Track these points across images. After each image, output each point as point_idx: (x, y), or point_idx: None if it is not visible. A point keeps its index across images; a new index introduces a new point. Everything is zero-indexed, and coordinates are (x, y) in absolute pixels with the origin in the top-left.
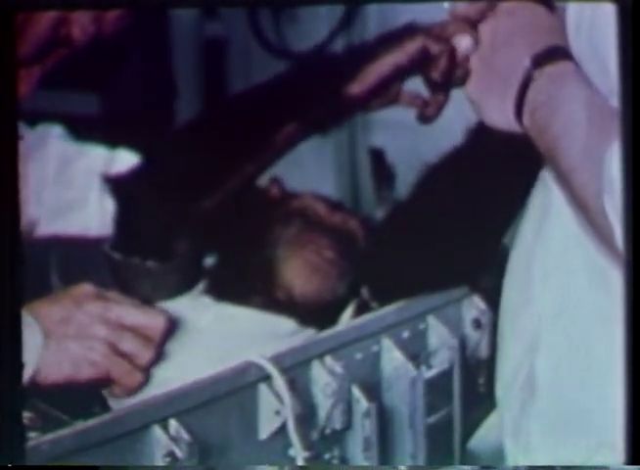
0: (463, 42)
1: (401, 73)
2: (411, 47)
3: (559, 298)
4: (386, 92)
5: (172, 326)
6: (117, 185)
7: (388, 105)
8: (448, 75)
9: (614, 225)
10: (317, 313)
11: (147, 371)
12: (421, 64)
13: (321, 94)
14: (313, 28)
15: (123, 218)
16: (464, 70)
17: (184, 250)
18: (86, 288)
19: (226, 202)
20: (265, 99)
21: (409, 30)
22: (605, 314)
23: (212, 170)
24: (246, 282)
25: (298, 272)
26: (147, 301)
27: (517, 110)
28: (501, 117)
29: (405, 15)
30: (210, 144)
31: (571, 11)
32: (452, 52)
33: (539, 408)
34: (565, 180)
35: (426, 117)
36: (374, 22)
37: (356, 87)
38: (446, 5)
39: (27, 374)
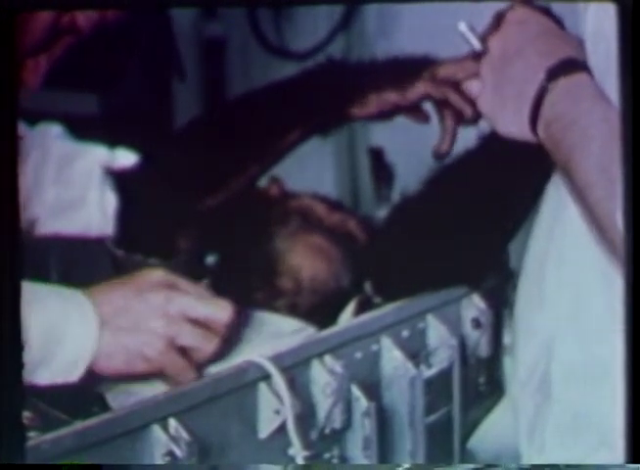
0: (473, 87)
1: (402, 111)
2: (412, 94)
3: (573, 301)
4: (388, 117)
5: (241, 318)
6: (121, 181)
7: (393, 118)
8: (457, 121)
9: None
10: (320, 307)
11: (204, 367)
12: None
13: (326, 107)
14: (313, 28)
15: (126, 215)
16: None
17: (186, 247)
18: (155, 274)
19: (228, 201)
20: (272, 104)
21: (413, 71)
22: (617, 317)
23: (216, 170)
24: (247, 280)
25: (305, 255)
26: None
27: (532, 122)
28: (516, 129)
29: (404, 15)
30: (215, 144)
31: (589, 25)
32: (461, 96)
33: (554, 409)
34: (579, 195)
35: (441, 155)
36: (373, 21)
37: (359, 111)
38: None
39: (84, 364)
